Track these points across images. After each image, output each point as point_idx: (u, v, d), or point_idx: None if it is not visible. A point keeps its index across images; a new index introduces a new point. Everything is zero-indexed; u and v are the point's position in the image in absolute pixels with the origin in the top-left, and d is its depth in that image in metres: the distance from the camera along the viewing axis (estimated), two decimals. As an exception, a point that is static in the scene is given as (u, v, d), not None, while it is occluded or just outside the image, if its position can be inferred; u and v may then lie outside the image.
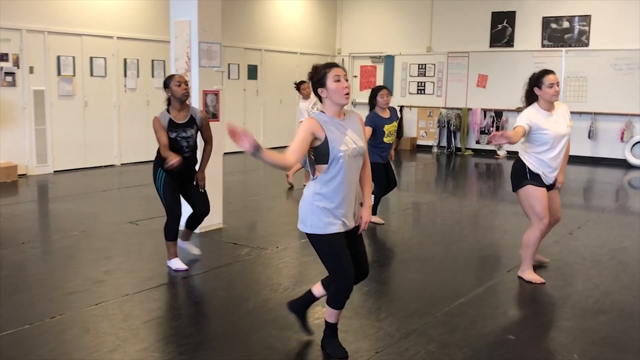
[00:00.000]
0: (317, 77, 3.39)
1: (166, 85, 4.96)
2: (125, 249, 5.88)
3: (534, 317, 4.47)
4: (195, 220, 5.34)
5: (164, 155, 4.82)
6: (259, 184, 10.35)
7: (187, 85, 4.97)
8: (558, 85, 4.91)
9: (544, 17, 13.33)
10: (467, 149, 14.46)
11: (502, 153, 13.87)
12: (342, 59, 16.16)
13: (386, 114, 6.84)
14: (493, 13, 13.90)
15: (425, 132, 15.11)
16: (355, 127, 3.45)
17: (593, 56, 12.75)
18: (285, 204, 8.41)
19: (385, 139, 6.77)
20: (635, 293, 4.85)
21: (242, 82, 13.57)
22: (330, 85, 3.34)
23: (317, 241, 3.44)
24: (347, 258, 3.44)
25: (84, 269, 5.21)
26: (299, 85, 9.33)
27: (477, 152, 14.36)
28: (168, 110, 4.96)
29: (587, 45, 12.89)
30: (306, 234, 3.47)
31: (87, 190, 8.90)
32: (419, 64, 15.09)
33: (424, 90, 15.09)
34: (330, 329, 3.71)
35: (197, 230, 6.26)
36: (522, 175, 4.96)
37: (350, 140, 3.37)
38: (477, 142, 14.39)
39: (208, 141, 5.22)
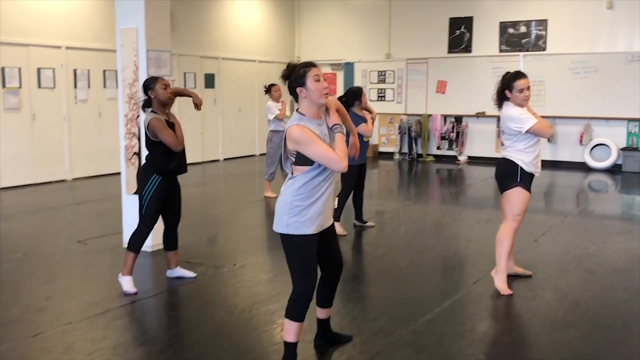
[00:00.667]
0: (296, 76, 3.28)
1: (149, 87, 4.84)
2: (71, 272, 5.51)
3: (504, 333, 4.28)
4: (171, 233, 5.18)
5: (178, 146, 4.79)
6: (218, 196, 10.02)
7: (170, 89, 4.90)
8: (529, 90, 4.81)
9: (501, 22, 13.34)
10: (428, 155, 14.37)
11: (462, 159, 13.81)
12: (301, 67, 15.92)
13: (362, 114, 6.88)
14: (451, 19, 13.87)
15: (387, 138, 14.97)
16: (326, 130, 3.39)
17: (550, 60, 12.80)
18: (246, 217, 8.11)
19: (364, 139, 6.89)
20: (604, 303, 4.71)
21: (198, 91, 13.21)
22: (310, 85, 3.25)
23: (289, 241, 3.36)
24: (315, 262, 3.42)
25: (23, 296, 4.83)
26: (269, 88, 9.13)
27: (439, 158, 14.28)
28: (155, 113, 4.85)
29: (544, 49, 12.93)
30: (280, 234, 3.38)
31: (35, 208, 8.45)
32: (378, 71, 14.96)
33: (384, 97, 14.96)
34: (289, 352, 3.46)
35: (147, 249, 5.95)
36: (513, 177, 4.86)
37: (327, 142, 3.32)
38: (438, 148, 14.31)
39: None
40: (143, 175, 4.98)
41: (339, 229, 6.77)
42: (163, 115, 4.87)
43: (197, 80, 13.16)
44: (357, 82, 15.18)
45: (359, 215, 7.25)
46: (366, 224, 7.26)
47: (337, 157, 3.21)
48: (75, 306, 4.58)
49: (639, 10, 11.96)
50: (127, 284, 4.86)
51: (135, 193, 5.98)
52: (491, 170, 11.94)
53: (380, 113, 14.86)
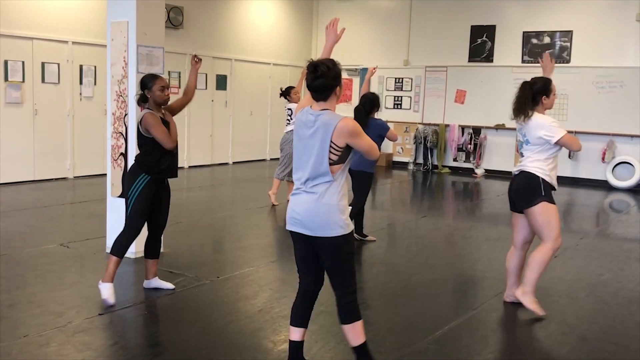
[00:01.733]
0: (335, 73, 3.32)
1: (146, 86, 4.63)
2: (44, 277, 5.18)
3: (499, 370, 3.87)
4: (154, 239, 4.90)
5: (170, 143, 4.58)
6: (221, 200, 9.67)
7: (169, 90, 4.73)
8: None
9: (524, 32, 12.87)
10: (444, 166, 13.92)
11: (479, 172, 13.34)
12: (318, 71, 15.58)
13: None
14: (472, 27, 13.42)
15: (402, 148, 14.55)
16: None
17: (574, 73, 12.29)
18: (241, 226, 7.75)
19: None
20: (615, 339, 4.27)
21: (209, 93, 12.94)
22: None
23: (348, 241, 3.27)
24: None
25: (-14, 302, 4.53)
26: (288, 91, 8.87)
27: (455, 170, 13.83)
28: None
29: (568, 61, 12.43)
30: (338, 237, 3.20)
31: (28, 206, 8.19)
32: (395, 78, 14.56)
33: (400, 105, 14.55)
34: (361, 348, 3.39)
35: (130, 255, 5.62)
36: (536, 191, 4.54)
37: None
38: (455, 160, 13.85)
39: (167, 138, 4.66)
40: (131, 175, 4.69)
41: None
42: (158, 113, 4.65)
43: (208, 82, 12.88)
44: (374, 89, 14.78)
45: (359, 229, 6.86)
46: (366, 238, 6.87)
47: (376, 146, 3.35)
48: (37, 317, 4.25)
49: (669, 24, 11.43)
50: (106, 292, 4.54)
51: (120, 196, 5.69)
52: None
53: (396, 121, 14.46)
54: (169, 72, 11.96)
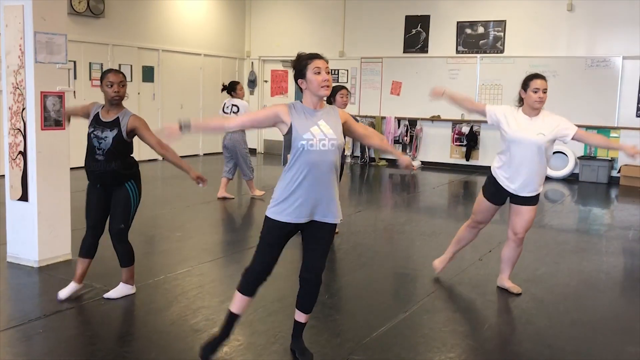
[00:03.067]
0: (299, 68, 3.36)
1: (100, 80, 4.42)
2: None
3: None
4: (115, 250, 4.58)
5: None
6: (143, 201, 9.11)
7: (122, 86, 4.34)
8: (544, 93, 4.61)
9: (458, 22, 12.75)
10: (381, 159, 13.71)
11: (416, 164, 13.16)
12: (252, 62, 15.14)
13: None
14: (407, 17, 13.23)
15: (338, 141, 14.25)
16: (331, 121, 3.36)
17: (508, 63, 12.25)
18: (164, 227, 7.27)
19: None
20: (550, 341, 4.04)
21: (135, 85, 12.31)
22: (310, 76, 3.30)
23: (265, 222, 3.42)
24: (276, 253, 3.43)
25: None
26: (233, 86, 8.60)
27: (392, 163, 13.63)
28: (102, 106, 4.45)
29: (502, 51, 12.39)
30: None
31: None
32: (332, 70, 14.24)
33: (336, 96, 14.23)
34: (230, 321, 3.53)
35: (34, 264, 5.11)
36: (486, 183, 4.87)
37: (319, 130, 3.29)
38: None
39: (155, 146, 4.30)
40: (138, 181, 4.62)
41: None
42: (107, 112, 4.36)
43: (134, 73, 12.25)
44: (309, 81, 14.46)
45: None
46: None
47: (234, 116, 3.29)
48: None
49: (600, 13, 11.49)
50: (66, 289, 4.46)
51: (20, 199, 5.17)
52: (445, 177, 11.22)
53: (332, 114, 14.15)
54: (90, 63, 11.32)
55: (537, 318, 4.45)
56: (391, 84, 13.53)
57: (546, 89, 4.65)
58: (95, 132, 4.32)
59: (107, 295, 4.50)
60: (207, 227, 7.40)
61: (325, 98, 3.35)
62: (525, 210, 4.77)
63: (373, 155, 13.73)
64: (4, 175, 5.43)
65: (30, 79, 5.01)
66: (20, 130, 5.11)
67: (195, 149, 13.97)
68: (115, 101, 4.32)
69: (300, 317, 3.61)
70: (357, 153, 13.89)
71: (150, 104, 12.69)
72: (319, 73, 3.29)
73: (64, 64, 5.24)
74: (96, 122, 4.35)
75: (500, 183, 4.70)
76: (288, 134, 3.30)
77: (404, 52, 13.35)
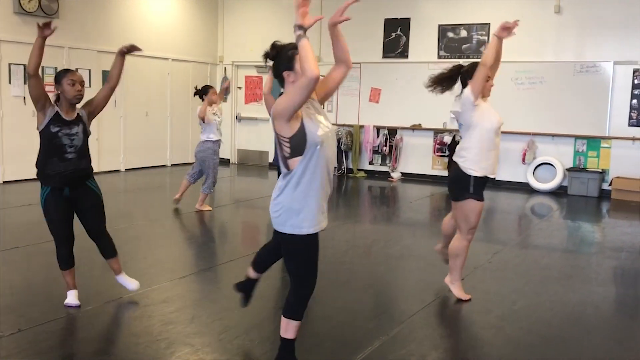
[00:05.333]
0: (284, 59, 3.03)
1: (57, 80, 4.26)
2: None
3: None
4: (98, 245, 4.57)
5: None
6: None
7: (82, 85, 4.29)
8: (491, 80, 4.78)
9: (440, 25, 12.03)
10: (359, 170, 12.93)
11: (396, 175, 12.41)
12: (225, 68, 14.37)
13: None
14: (386, 19, 12.50)
15: (315, 151, 13.47)
16: (320, 108, 3.18)
17: (493, 69, 11.49)
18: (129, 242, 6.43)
19: None
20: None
21: (95, 91, 11.38)
22: (299, 68, 2.96)
23: (295, 244, 3.13)
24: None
25: None
26: (203, 90, 8.04)
27: (371, 174, 12.87)
28: (56, 104, 4.29)
29: (486, 56, 11.64)
30: (282, 234, 3.14)
31: None
32: (307, 75, 13.46)
33: (312, 104, 13.47)
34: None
35: None
36: (465, 186, 4.57)
37: (324, 121, 3.12)
38: (370, 163, 12.90)
39: (108, 90, 4.57)
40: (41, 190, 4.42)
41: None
42: (67, 113, 4.27)
43: (93, 78, 11.45)
44: (284, 87, 13.69)
45: None
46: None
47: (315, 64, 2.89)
48: None
49: (589, 15, 10.78)
50: (69, 298, 4.42)
51: None
52: (426, 190, 10.54)
53: (308, 122, 13.39)
54: (42, 67, 10.48)
55: (511, 369, 3.66)
56: (370, 90, 12.78)
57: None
58: (63, 131, 4.19)
59: (132, 288, 4.63)
60: (175, 242, 6.59)
61: None
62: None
63: (351, 167, 12.95)
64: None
65: None
66: None
67: (163, 160, 13.14)
68: (77, 100, 4.26)
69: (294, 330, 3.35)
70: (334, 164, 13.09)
71: (112, 112, 11.87)
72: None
73: None
74: (60, 122, 4.20)
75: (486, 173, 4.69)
76: (298, 134, 2.96)
77: (383, 57, 12.61)
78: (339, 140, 12.83)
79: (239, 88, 14.36)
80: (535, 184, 11.22)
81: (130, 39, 12.06)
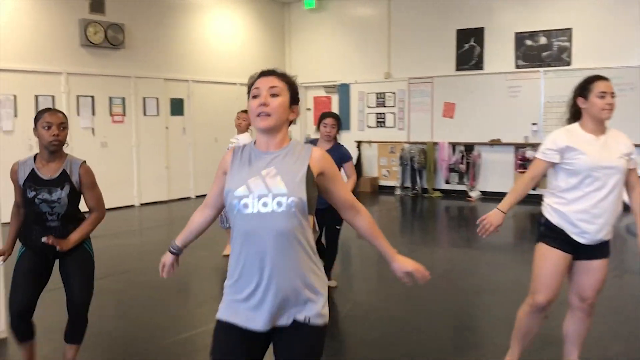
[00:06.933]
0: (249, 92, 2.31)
1: (34, 124, 3.45)
2: None
3: None
4: (70, 318, 3.52)
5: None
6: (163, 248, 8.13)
7: (62, 128, 3.42)
8: (612, 97, 3.29)
9: (516, 33, 11.28)
10: (435, 189, 12.29)
11: (474, 195, 11.69)
12: (293, 90, 14.10)
13: (325, 146, 5.15)
14: (458, 31, 11.87)
15: (388, 171, 12.95)
16: (289, 167, 2.20)
17: (577, 76, 10.42)
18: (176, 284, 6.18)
19: None
20: None
21: (163, 119, 11.49)
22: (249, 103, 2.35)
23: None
24: None
25: None
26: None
27: (447, 194, 12.19)
28: (35, 158, 3.49)
29: (568, 64, 10.81)
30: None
31: None
32: (377, 93, 13.02)
33: (384, 122, 12.98)
34: None
35: None
36: (539, 226, 3.49)
37: (261, 183, 2.17)
38: (447, 182, 12.23)
39: (93, 209, 3.57)
40: None
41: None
42: (46, 164, 3.44)
43: (161, 106, 11.44)
44: (354, 106, 13.29)
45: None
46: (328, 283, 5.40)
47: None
48: None
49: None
50: None
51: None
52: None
53: (380, 141, 12.92)
54: (110, 98, 10.56)
55: None
56: (443, 105, 12.15)
57: (614, 93, 3.32)
58: (40, 196, 3.38)
59: None
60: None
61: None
62: (597, 266, 3.41)
63: (426, 186, 12.32)
64: None
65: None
66: None
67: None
68: (54, 147, 3.40)
69: None
70: (408, 183, 12.50)
71: (181, 139, 11.83)
72: (255, 97, 2.26)
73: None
74: (35, 183, 3.40)
75: (568, 232, 3.34)
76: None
77: (456, 69, 11.97)
78: (411, 159, 12.27)
79: (308, 109, 14.07)
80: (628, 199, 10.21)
81: (196, 65, 12.08)
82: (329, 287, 5.53)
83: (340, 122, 5.46)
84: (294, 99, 2.32)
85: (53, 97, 9.68)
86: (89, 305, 3.53)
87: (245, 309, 2.18)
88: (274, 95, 2.23)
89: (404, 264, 2.38)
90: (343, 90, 13.37)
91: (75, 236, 3.44)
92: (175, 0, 11.66)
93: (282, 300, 2.16)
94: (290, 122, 2.33)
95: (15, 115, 9.28)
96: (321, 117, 5.37)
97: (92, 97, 10.24)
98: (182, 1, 11.80)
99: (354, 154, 12.94)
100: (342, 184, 2.37)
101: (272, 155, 2.24)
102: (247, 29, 13.29)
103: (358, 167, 12.89)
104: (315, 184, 2.23)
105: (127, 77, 10.73)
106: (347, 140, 13.18)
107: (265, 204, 2.14)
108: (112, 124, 10.52)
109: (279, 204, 2.13)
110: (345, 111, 13.28)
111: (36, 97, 9.47)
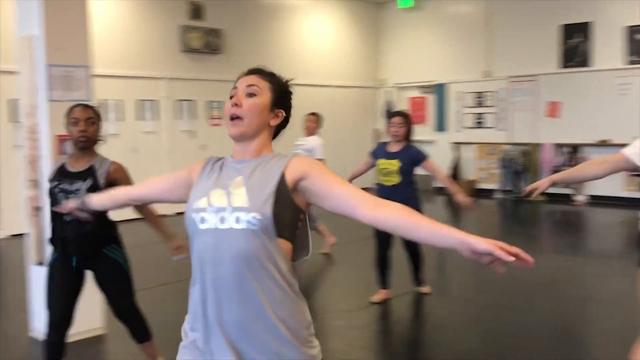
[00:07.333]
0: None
1: (66, 118, 3.40)
2: None
3: None
4: (124, 325, 3.56)
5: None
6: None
7: (91, 123, 3.32)
8: None
9: (628, 27, 10.55)
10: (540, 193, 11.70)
11: (581, 199, 11.03)
12: (387, 91, 13.91)
13: (394, 148, 5.12)
14: (563, 26, 11.26)
15: (487, 173, 12.48)
16: (259, 178, 1.83)
17: (698, 72, 9.82)
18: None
19: (381, 178, 5.12)
20: None
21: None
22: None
23: None
24: None
25: None
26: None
27: (551, 197, 11.56)
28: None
29: (686, 58, 10.00)
30: None
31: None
32: (475, 92, 12.59)
33: (482, 123, 12.53)
34: None
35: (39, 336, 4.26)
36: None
37: (223, 195, 1.81)
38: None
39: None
40: None
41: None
42: (76, 159, 3.37)
43: (256, 110, 11.57)
44: (451, 107, 12.93)
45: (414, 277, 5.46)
46: (419, 289, 5.48)
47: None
48: None
49: None
50: None
51: (39, 264, 4.38)
52: (617, 214, 9.12)
53: (478, 142, 12.48)
54: (209, 102, 10.80)
55: None
56: (547, 104, 11.56)
57: None
58: (60, 186, 3.28)
59: None
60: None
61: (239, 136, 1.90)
62: None
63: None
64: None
65: (44, 120, 4.22)
66: (37, 181, 4.34)
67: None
68: (82, 144, 3.30)
69: None
70: (509, 186, 11.99)
71: (275, 142, 11.92)
72: (231, 97, 1.97)
73: (86, 100, 4.39)
74: (61, 174, 3.33)
75: None
76: None
77: (562, 67, 11.35)
78: (510, 160, 11.76)
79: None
80: None
81: (291, 67, 12.11)
82: (422, 294, 5.36)
83: (411, 120, 5.26)
84: (279, 102, 2.01)
85: (156, 101, 10.03)
86: (134, 307, 3.51)
87: (194, 344, 1.85)
88: (250, 95, 1.92)
89: (478, 240, 1.71)
90: (439, 90, 13.04)
91: (169, 235, 3.37)
92: (271, 5, 11.80)
93: (239, 349, 1.77)
94: (278, 130, 2.02)
95: (124, 120, 9.69)
96: (388, 117, 5.23)
97: (192, 101, 10.52)
98: (279, 6, 11.93)
99: (449, 155, 12.61)
100: (337, 179, 1.85)
101: (244, 164, 1.90)
102: (342, 31, 13.25)
103: (455, 169, 12.53)
104: (292, 201, 1.83)
105: (225, 81, 10.89)
106: (443, 141, 12.85)
107: (222, 219, 1.78)
108: (210, 127, 10.77)
109: (237, 219, 1.77)
110: (441, 111, 12.95)
111: (141, 101, 9.84)
